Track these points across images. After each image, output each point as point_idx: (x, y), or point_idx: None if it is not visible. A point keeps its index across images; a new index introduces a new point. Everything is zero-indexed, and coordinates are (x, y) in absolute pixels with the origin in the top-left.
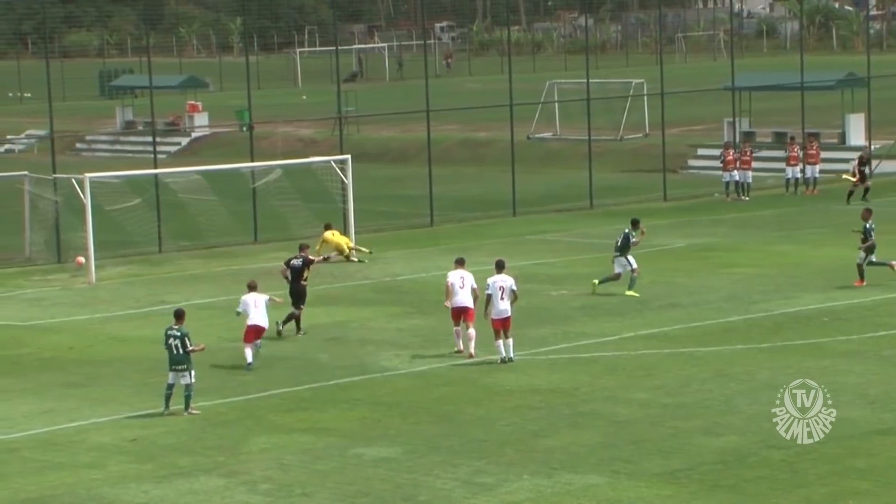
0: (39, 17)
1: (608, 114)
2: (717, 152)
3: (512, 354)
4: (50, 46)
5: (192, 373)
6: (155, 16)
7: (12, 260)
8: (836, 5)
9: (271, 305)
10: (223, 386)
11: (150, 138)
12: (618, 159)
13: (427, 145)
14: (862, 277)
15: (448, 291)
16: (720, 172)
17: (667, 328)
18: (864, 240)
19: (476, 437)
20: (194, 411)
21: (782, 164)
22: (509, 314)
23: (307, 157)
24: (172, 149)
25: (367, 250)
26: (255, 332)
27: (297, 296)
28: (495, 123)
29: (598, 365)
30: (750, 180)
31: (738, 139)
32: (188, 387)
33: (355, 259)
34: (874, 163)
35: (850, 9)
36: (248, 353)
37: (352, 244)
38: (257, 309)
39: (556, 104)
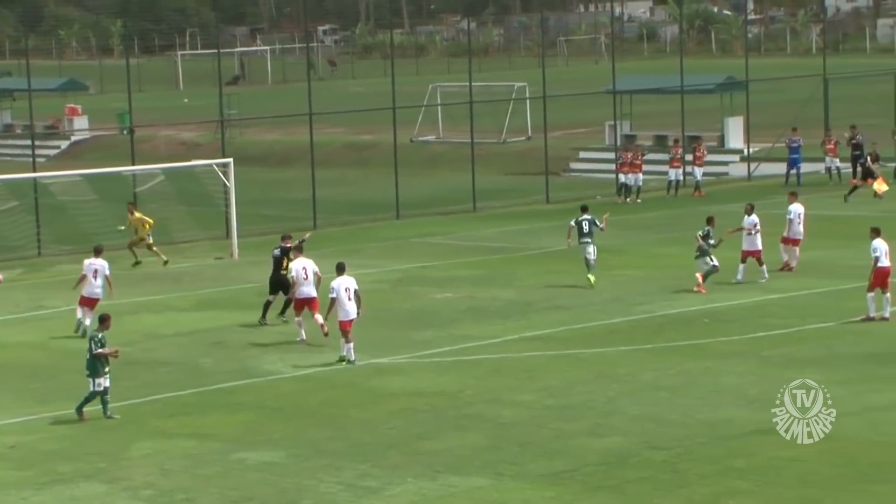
0: None
1: (491, 117)
2: (599, 155)
3: (353, 357)
4: None
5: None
6: (34, 17)
7: None
8: (715, 9)
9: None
10: None
11: (28, 141)
12: (501, 162)
13: (310, 148)
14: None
15: (294, 282)
16: (606, 175)
17: (551, 330)
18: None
19: (360, 440)
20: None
21: (665, 167)
22: (356, 316)
23: (189, 160)
24: (52, 152)
25: (164, 258)
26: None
27: (276, 284)
28: (379, 126)
29: (483, 367)
30: (640, 183)
31: (619, 142)
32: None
33: (155, 251)
34: (753, 165)
35: (729, 13)
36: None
37: (150, 229)
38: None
39: (440, 107)
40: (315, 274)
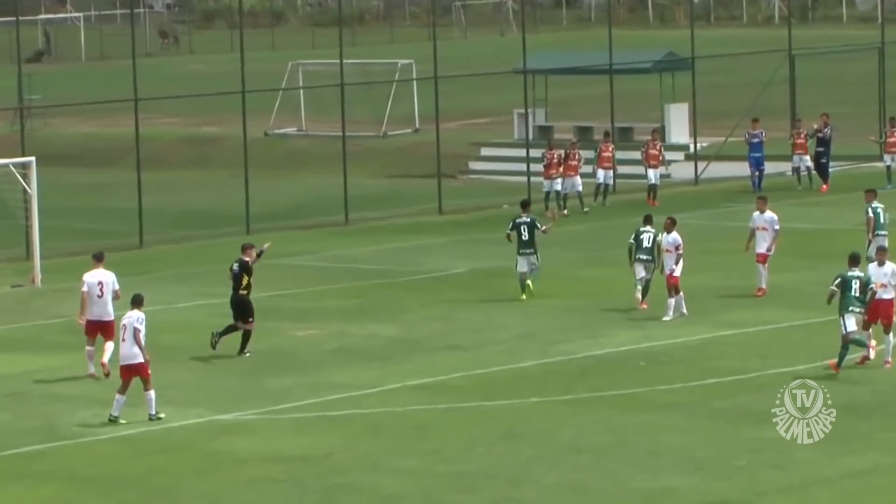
0: None
1: (368, 103)
2: (507, 152)
3: (154, 410)
4: None
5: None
6: None
7: None
8: None
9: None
10: None
11: None
12: (381, 161)
13: (136, 144)
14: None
15: (83, 301)
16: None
17: (444, 376)
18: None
19: None
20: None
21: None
22: (140, 359)
23: None
24: None
25: None
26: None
27: (237, 307)
28: (225, 116)
29: (357, 425)
30: (579, 188)
31: (532, 135)
32: None
33: None
34: (700, 165)
35: None
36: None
37: None
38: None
39: (302, 91)
40: (115, 292)
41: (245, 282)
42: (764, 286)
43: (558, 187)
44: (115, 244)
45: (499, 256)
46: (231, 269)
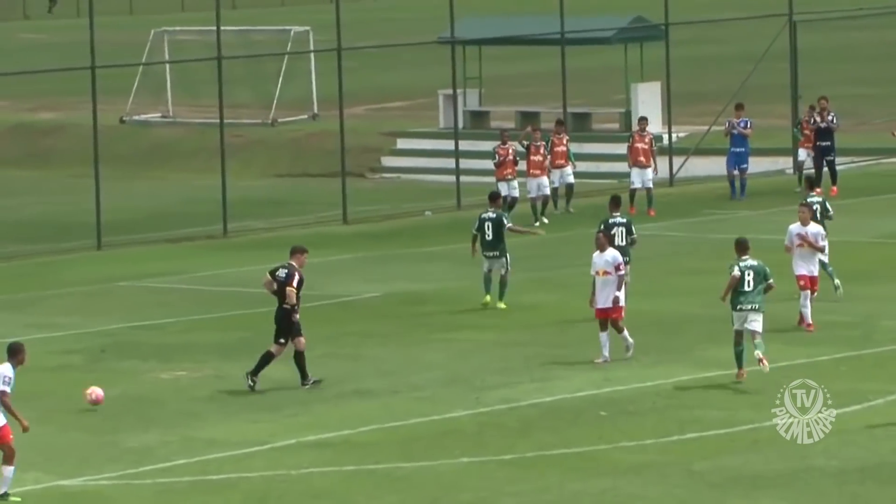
0: None
1: (253, 82)
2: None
3: (6, 488)
4: None
5: None
6: None
7: None
8: None
9: None
10: None
11: None
12: (269, 156)
13: None
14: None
15: None
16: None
17: (349, 430)
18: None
19: None
20: None
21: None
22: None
23: None
24: None
25: None
26: None
27: (281, 322)
28: (68, 99)
29: (238, 492)
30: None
31: (462, 123)
32: None
33: None
34: (676, 162)
35: None
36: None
37: None
38: None
39: (168, 66)
40: None
41: (292, 294)
42: (810, 319)
43: (515, 191)
44: None
45: (420, 277)
46: (275, 274)
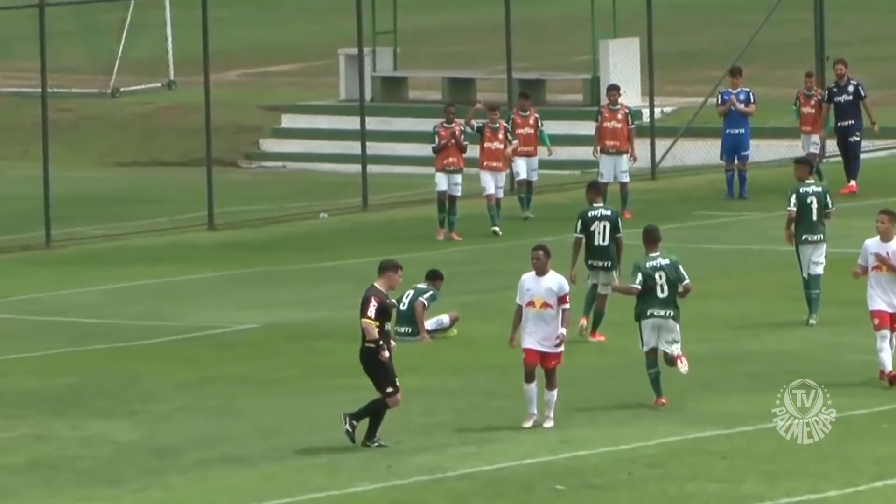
0: None
1: (87, 39)
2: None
3: None
4: None
5: None
6: None
7: None
8: None
9: None
10: None
11: None
12: (110, 138)
13: None
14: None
15: None
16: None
17: None
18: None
19: None
20: None
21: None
22: None
23: None
24: None
25: None
26: None
27: (367, 367)
28: None
29: None
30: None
31: (369, 93)
32: None
33: None
34: (661, 146)
35: None
36: None
37: None
38: None
39: None
40: None
41: (375, 327)
42: (890, 367)
43: (458, 188)
44: None
45: (313, 303)
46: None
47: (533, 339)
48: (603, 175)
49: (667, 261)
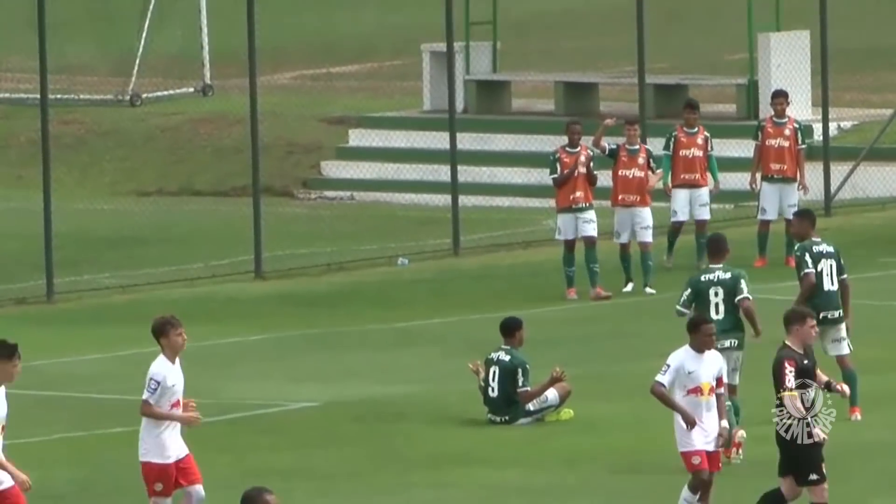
0: None
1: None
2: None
3: None
4: None
5: None
6: None
7: None
8: None
9: None
10: None
11: None
12: (128, 159)
13: None
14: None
15: None
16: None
17: None
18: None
19: None
20: None
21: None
22: None
23: None
24: None
25: None
26: None
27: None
28: None
29: None
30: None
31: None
32: None
33: None
34: (839, 172)
35: None
36: None
37: None
38: None
39: None
40: None
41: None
42: None
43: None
44: None
45: (389, 373)
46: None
47: (703, 437)
48: (766, 211)
49: (728, 275)
